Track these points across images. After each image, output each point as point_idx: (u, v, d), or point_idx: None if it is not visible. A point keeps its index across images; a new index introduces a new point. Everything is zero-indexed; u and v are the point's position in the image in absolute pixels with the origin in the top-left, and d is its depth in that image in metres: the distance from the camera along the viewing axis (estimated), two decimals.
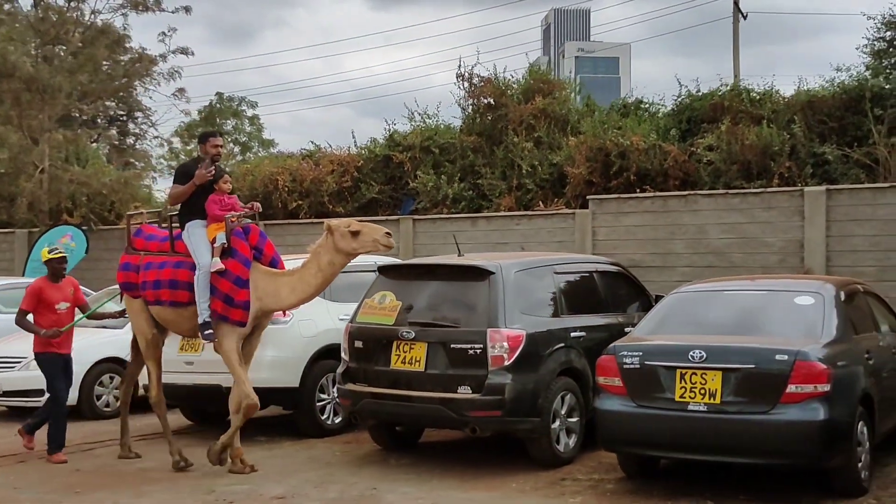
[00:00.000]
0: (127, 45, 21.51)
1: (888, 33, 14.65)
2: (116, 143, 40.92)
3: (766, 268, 12.93)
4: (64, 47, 19.00)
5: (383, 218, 16.18)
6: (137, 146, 40.18)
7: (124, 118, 42.65)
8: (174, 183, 8.77)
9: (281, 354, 9.61)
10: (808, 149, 14.15)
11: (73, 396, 9.99)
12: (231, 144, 41.11)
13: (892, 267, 12.37)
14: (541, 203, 15.67)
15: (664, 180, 14.97)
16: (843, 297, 7.56)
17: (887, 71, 14.43)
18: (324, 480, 7.85)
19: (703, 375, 6.53)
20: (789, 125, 14.36)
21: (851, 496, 6.71)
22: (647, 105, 17.18)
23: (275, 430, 10.14)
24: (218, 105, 45.15)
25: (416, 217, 16.06)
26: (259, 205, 8.94)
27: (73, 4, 19.59)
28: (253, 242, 8.54)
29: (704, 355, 6.55)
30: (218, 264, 8.27)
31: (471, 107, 17.39)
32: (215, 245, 8.37)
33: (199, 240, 8.46)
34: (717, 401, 6.48)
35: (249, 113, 44.14)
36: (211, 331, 8.27)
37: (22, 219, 19.20)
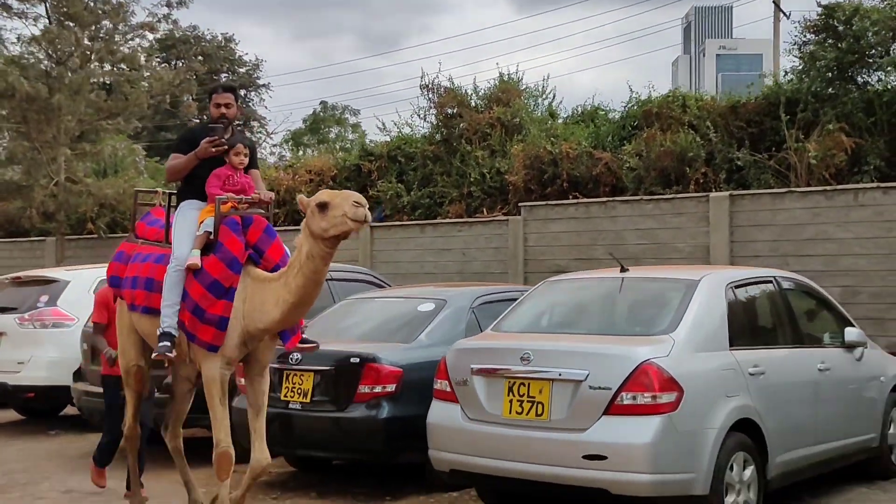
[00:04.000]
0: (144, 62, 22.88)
1: (809, 36, 14.70)
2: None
3: None
4: (74, 68, 20.43)
5: None
6: (259, 156, 42.46)
7: (241, 126, 45.04)
8: (174, 152, 6.58)
9: None
10: (725, 154, 14.42)
11: None
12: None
13: (791, 271, 12.67)
14: (485, 210, 16.34)
15: (595, 187, 15.22)
16: (724, 292, 6.31)
17: (801, 76, 14.51)
18: None
19: (301, 376, 7.06)
20: (714, 131, 14.67)
21: None
22: (604, 111, 17.59)
23: None
24: (322, 113, 46.90)
25: (373, 224, 16.90)
26: (273, 194, 6.58)
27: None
28: (252, 240, 6.19)
29: (299, 357, 6.99)
30: (193, 259, 6.06)
31: (434, 116, 18.16)
32: (198, 233, 6.19)
33: (184, 224, 6.33)
34: (308, 399, 7.01)
35: (352, 121, 45.47)
36: (168, 344, 6.05)
37: (37, 228, 20.70)
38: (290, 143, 41.84)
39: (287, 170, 19.42)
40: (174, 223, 6.43)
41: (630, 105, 16.53)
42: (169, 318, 6.12)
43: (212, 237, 6.14)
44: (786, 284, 6.93)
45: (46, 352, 9.76)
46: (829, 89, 13.76)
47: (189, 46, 42.68)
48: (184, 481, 6.66)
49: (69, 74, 19.65)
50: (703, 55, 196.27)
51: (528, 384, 5.74)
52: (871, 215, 11.96)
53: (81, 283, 9.97)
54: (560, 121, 17.80)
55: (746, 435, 5.92)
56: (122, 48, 21.20)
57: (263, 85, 43.75)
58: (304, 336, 6.32)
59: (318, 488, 7.45)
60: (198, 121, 42.85)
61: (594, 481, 5.47)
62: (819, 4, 13.95)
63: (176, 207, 6.56)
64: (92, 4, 20.89)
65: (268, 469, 6.04)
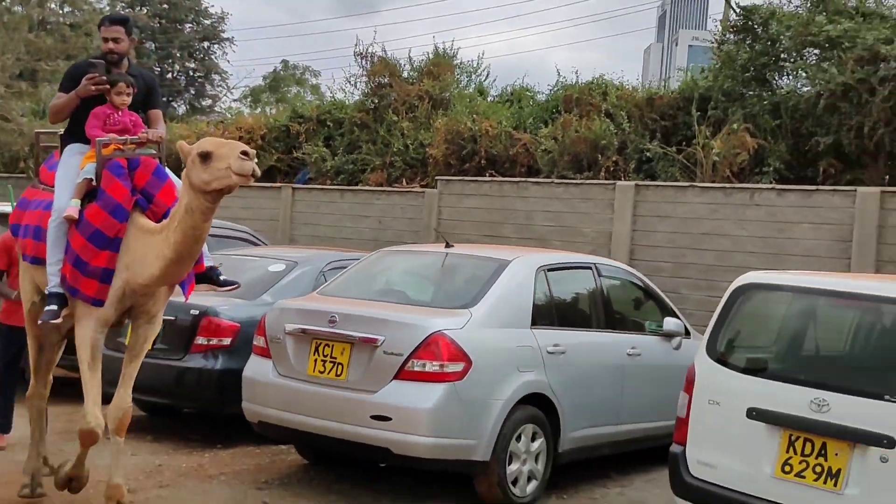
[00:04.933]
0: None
1: (728, 35, 15.07)
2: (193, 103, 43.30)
3: None
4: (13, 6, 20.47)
5: (269, 185, 17.47)
6: (217, 108, 42.63)
7: (202, 79, 45.01)
8: (59, 90, 6.21)
9: None
10: (636, 145, 14.83)
11: None
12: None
13: (686, 265, 12.97)
14: (405, 181, 16.70)
15: (512, 166, 15.66)
16: (535, 274, 6.61)
17: (717, 74, 14.91)
18: None
19: None
20: (628, 121, 15.07)
21: None
22: (530, 93, 17.96)
23: None
24: (282, 72, 46.73)
25: (295, 186, 17.20)
26: (163, 133, 5.98)
27: None
28: (140, 184, 5.73)
29: None
30: (71, 210, 5.63)
31: (366, 84, 18.44)
32: (78, 181, 5.73)
33: (65, 172, 5.90)
34: (150, 347, 6.72)
35: (313, 82, 45.33)
36: (55, 308, 5.64)
37: None
38: (248, 100, 41.78)
39: (218, 125, 19.61)
40: (56, 172, 5.96)
41: (555, 89, 16.93)
42: (54, 277, 5.69)
43: (94, 184, 5.70)
44: (606, 272, 7.34)
45: None
46: (743, 89, 14.19)
47: None
48: (31, 434, 6.19)
49: (7, 13, 19.70)
50: (676, 45, 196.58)
51: (332, 345, 6.12)
52: (764, 215, 12.43)
53: None
54: (489, 99, 18.17)
55: (539, 409, 6.34)
56: None
57: (227, 38, 43.60)
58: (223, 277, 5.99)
59: (153, 433, 7.80)
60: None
61: (378, 440, 5.87)
62: (738, 6, 14.35)
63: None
64: None
65: (130, 414, 5.67)
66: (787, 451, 4.73)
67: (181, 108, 43.44)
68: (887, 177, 12.43)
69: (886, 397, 4.50)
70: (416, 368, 5.84)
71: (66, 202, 5.69)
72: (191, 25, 43.53)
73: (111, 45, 6.06)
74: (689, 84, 14.92)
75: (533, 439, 6.33)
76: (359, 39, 18.24)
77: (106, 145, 5.69)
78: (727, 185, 12.94)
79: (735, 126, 13.61)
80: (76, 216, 5.61)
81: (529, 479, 6.34)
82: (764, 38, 13.88)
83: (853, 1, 13.56)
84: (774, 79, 14.22)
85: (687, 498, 5.17)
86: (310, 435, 6.25)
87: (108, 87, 5.86)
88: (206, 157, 5.21)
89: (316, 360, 6.16)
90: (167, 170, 5.93)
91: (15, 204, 6.59)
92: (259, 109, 38.06)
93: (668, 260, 13.19)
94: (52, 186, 6.00)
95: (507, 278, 6.46)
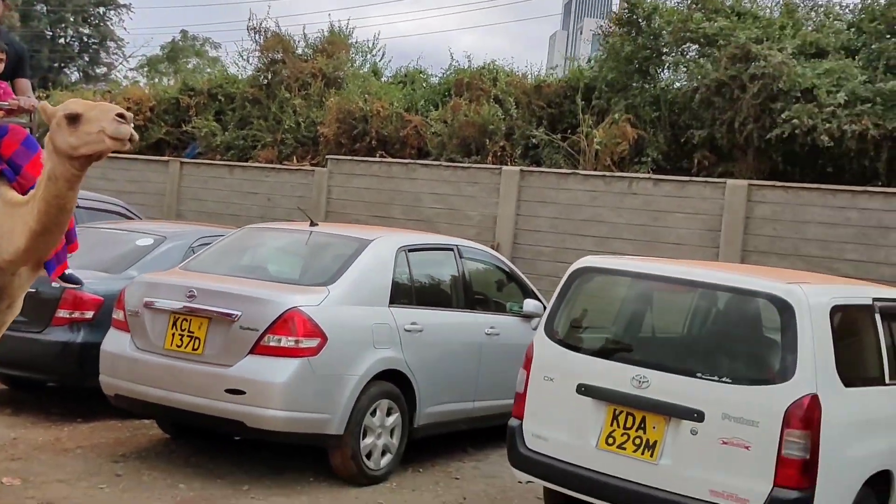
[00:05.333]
0: None
1: (613, 27, 15.53)
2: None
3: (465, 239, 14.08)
4: None
5: (156, 158, 17.35)
6: (112, 77, 41.52)
7: (97, 45, 43.80)
8: None
9: None
10: (523, 131, 15.21)
11: None
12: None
13: (566, 249, 13.35)
14: (295, 158, 16.79)
15: (402, 148, 15.91)
16: (395, 254, 6.79)
17: (602, 65, 15.37)
18: None
19: None
20: (516, 107, 15.44)
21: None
22: (425, 76, 18.21)
23: None
24: (181, 42, 45.83)
25: (183, 161, 17.11)
26: (36, 102, 5.67)
27: None
28: (7, 153, 5.48)
29: None
30: None
31: (258, 59, 18.42)
32: None
33: None
34: None
35: (212, 54, 44.71)
36: None
37: None
38: (146, 70, 40.98)
39: (104, 95, 19.32)
40: None
41: (448, 73, 17.20)
42: None
43: None
44: (468, 254, 7.63)
45: None
46: (627, 81, 14.66)
47: None
48: None
49: None
50: (581, 33, 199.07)
51: (190, 320, 6.25)
52: (641, 204, 12.93)
53: None
54: (384, 80, 18.34)
55: (395, 385, 6.59)
56: None
57: (124, 5, 42.70)
58: (68, 271, 5.78)
59: (12, 406, 7.81)
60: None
61: (233, 413, 6.03)
62: None
63: None
64: None
65: None
66: (612, 425, 5.07)
67: (74, 76, 42.44)
68: (754, 171, 13.02)
69: (698, 374, 4.88)
70: (271, 343, 6.01)
71: None
72: None
73: None
74: (576, 73, 15.35)
75: (388, 414, 6.57)
76: (252, 13, 18.22)
77: None
78: (608, 173, 13.41)
79: (617, 116, 14.09)
80: None
81: (384, 453, 6.58)
82: (647, 32, 14.38)
83: (730, 0, 14.13)
84: (656, 72, 14.75)
85: (522, 469, 5.49)
86: (166, 408, 6.37)
87: None
88: (74, 119, 4.90)
89: (174, 335, 6.27)
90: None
91: None
92: (156, 80, 37.46)
93: (549, 245, 13.63)
94: None
95: (367, 257, 6.67)
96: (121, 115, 4.88)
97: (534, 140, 14.84)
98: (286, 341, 6.01)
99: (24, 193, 5.34)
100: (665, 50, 14.51)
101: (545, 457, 5.32)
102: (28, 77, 6.06)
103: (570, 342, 5.45)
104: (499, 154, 15.00)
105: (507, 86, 15.63)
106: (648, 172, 13.49)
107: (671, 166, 14.00)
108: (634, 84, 14.56)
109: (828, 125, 11.84)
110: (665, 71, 14.82)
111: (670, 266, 5.54)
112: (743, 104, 12.61)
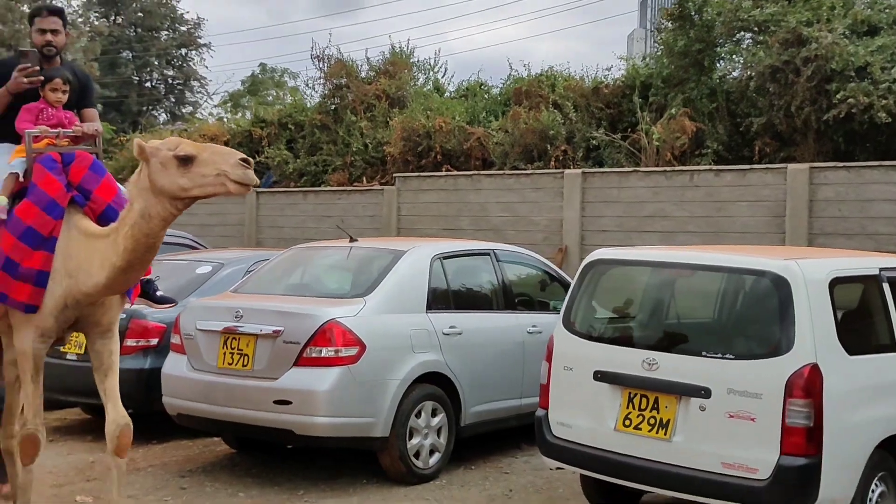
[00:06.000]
0: None
1: (666, 23, 15.63)
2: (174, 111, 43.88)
3: (533, 244, 14.39)
4: None
5: None
6: (198, 115, 43.32)
7: (181, 86, 45.72)
8: None
9: None
10: (584, 134, 15.45)
11: None
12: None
13: (632, 247, 13.72)
14: (364, 179, 17.37)
15: (466, 160, 16.37)
16: (430, 262, 7.17)
17: (658, 61, 15.52)
18: None
19: None
20: (575, 111, 15.70)
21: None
22: (486, 88, 18.63)
23: None
24: (260, 75, 47.45)
25: (259, 190, 17.86)
26: (100, 127, 5.76)
27: None
28: (76, 179, 5.41)
29: None
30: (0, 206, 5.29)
31: (324, 86, 19.12)
32: (4, 178, 5.39)
33: None
34: (83, 351, 7.52)
35: (291, 84, 46.07)
36: None
37: None
38: (229, 105, 42.44)
39: (181, 134, 20.25)
40: None
41: (507, 83, 17.58)
42: None
43: (22, 179, 5.38)
44: (505, 258, 7.95)
45: None
46: (683, 75, 14.79)
47: (128, 3, 43.17)
48: (12, 491, 5.84)
49: None
50: (658, 31, 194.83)
51: (238, 338, 6.74)
52: (703, 195, 13.06)
53: None
54: (447, 95, 18.81)
55: (438, 386, 6.97)
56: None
57: (204, 45, 44.30)
58: (159, 293, 5.90)
59: (93, 433, 8.40)
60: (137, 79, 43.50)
61: (282, 423, 6.49)
62: None
63: None
64: None
65: (129, 430, 5.48)
66: (628, 407, 5.35)
67: (161, 117, 44.19)
68: (816, 153, 13.01)
69: (703, 353, 5.13)
70: (313, 355, 6.46)
71: None
72: (167, 33, 44.30)
73: (49, 36, 5.72)
74: (632, 72, 15.54)
75: (433, 415, 6.96)
76: (314, 42, 18.95)
77: (37, 138, 5.40)
78: (668, 168, 13.57)
79: (674, 111, 14.24)
80: (3, 215, 5.26)
81: (432, 452, 6.96)
82: (699, 25, 14.50)
83: None
84: (711, 64, 14.83)
85: (551, 456, 5.79)
86: (223, 423, 6.88)
87: (41, 80, 5.53)
88: (187, 160, 4.88)
89: (225, 353, 6.78)
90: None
91: None
92: (239, 114, 38.79)
93: (616, 243, 13.79)
94: None
95: (402, 268, 7.08)
96: (245, 161, 4.90)
97: (594, 142, 15.09)
98: (326, 351, 6.45)
99: (94, 218, 5.41)
100: (718, 41, 14.61)
101: (570, 443, 5.62)
102: (94, 107, 6.08)
103: (586, 332, 5.74)
104: (561, 158, 15.30)
105: (565, 90, 15.93)
106: (710, 164, 13.61)
107: (733, 156, 14.08)
108: (691, 78, 14.69)
109: (884, 101, 11.81)
110: (720, 62, 14.88)
111: (673, 252, 5.79)
112: (798, 88, 12.65)
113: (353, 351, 6.49)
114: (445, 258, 7.42)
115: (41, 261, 5.20)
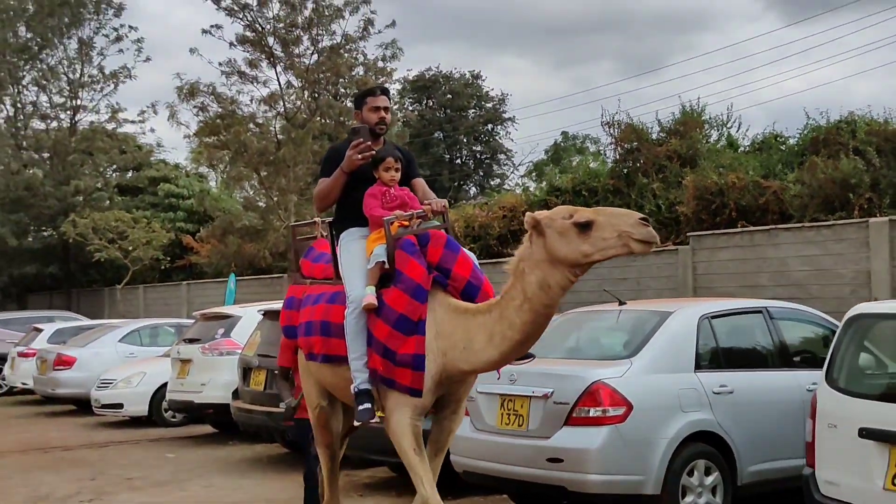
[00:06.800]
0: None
1: None
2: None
3: (839, 299, 13.88)
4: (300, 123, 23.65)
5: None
6: (506, 186, 45.82)
7: (489, 160, 48.54)
8: (321, 176, 5.98)
9: None
10: (890, 179, 14.69)
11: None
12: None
13: None
14: (659, 241, 17.45)
15: (763, 215, 16.06)
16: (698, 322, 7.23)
17: None
18: None
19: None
20: (879, 155, 14.99)
21: None
22: (779, 139, 18.21)
23: None
24: (562, 143, 49.22)
25: None
26: (445, 201, 5.73)
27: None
28: (434, 259, 5.50)
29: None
30: (369, 298, 5.42)
31: (616, 151, 19.52)
32: (369, 266, 5.52)
33: (350, 258, 5.70)
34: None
35: (592, 148, 47.37)
36: (368, 406, 5.44)
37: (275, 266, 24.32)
38: (533, 175, 43.90)
39: (483, 207, 21.38)
40: (340, 260, 5.75)
41: (805, 132, 17.11)
42: (360, 373, 5.47)
43: (386, 266, 5.47)
44: (779, 315, 7.89)
45: (222, 375, 12.23)
46: None
47: (438, 86, 46.11)
48: None
49: (293, 129, 22.87)
50: None
51: (514, 400, 7.22)
52: None
53: (251, 317, 12.35)
54: (740, 150, 18.58)
55: (710, 445, 7.07)
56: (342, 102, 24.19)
57: (509, 119, 46.25)
58: None
59: (399, 490, 9.18)
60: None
61: (555, 480, 6.87)
62: None
63: (337, 239, 5.90)
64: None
65: None
66: (895, 466, 5.23)
67: (472, 190, 46.48)
68: None
69: None
70: (581, 415, 6.81)
71: (361, 291, 5.47)
72: (474, 111, 46.72)
73: (382, 114, 5.90)
74: None
75: (707, 473, 7.05)
76: (604, 109, 19.46)
77: (392, 223, 5.48)
78: None
79: None
80: (375, 303, 5.40)
81: None
82: None
83: None
84: None
85: None
86: (502, 479, 7.36)
87: (373, 153, 5.65)
88: (586, 226, 4.93)
89: (503, 414, 7.29)
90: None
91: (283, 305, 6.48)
92: (543, 183, 40.05)
93: None
94: (319, 279, 6.00)
95: (669, 329, 7.29)
96: (644, 219, 4.97)
97: None
98: (594, 411, 6.78)
99: (457, 295, 5.48)
100: None
101: (838, 501, 5.55)
102: (420, 176, 6.10)
103: (849, 388, 5.68)
104: (865, 207, 14.66)
105: (867, 135, 15.29)
106: None
107: None
108: None
109: None
110: None
111: None
112: None
113: (620, 410, 6.78)
114: (714, 318, 7.54)
115: (415, 345, 5.34)
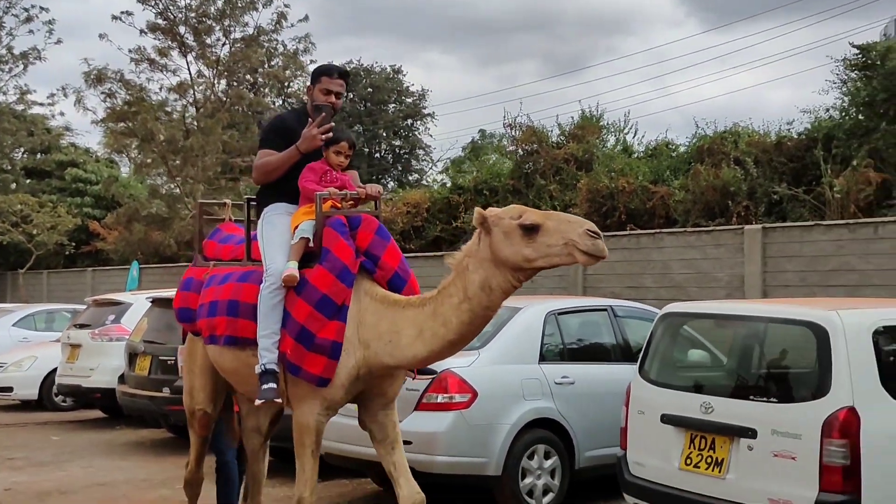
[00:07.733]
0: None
1: (849, 74, 15.55)
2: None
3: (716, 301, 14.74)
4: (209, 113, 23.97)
5: (438, 254, 19.51)
6: (424, 182, 46.21)
7: (407, 155, 48.88)
8: (261, 148, 5.68)
9: None
10: (765, 189, 15.64)
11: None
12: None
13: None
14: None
15: (650, 219, 16.93)
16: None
17: (841, 113, 15.49)
18: None
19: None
20: (756, 166, 15.93)
21: None
22: (670, 147, 19.14)
23: None
24: (480, 141, 49.82)
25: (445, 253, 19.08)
26: (381, 188, 5.61)
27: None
28: (363, 244, 5.30)
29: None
30: (290, 270, 5.19)
31: (518, 152, 20.26)
32: (294, 241, 5.32)
33: (273, 233, 5.44)
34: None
35: (510, 148, 47.83)
36: (273, 385, 5.18)
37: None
38: (449, 171, 44.47)
39: (387, 202, 21.92)
40: (260, 234, 5.52)
41: (693, 141, 18.02)
42: (269, 353, 5.21)
43: (311, 245, 5.29)
44: (623, 313, 8.63)
45: (111, 360, 12.58)
46: (868, 124, 14.77)
47: (359, 79, 46.43)
48: None
49: (203, 119, 23.16)
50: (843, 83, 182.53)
51: None
52: (890, 248, 13.03)
53: (142, 304, 12.71)
54: (634, 155, 19.45)
55: (551, 431, 7.74)
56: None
57: (428, 114, 46.80)
58: None
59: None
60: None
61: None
62: (852, 45, 15.03)
63: (256, 217, 5.71)
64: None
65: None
66: (689, 448, 5.93)
67: (390, 184, 46.91)
68: None
69: (751, 397, 5.66)
70: (430, 401, 7.42)
71: (282, 264, 5.25)
72: (394, 105, 47.17)
73: (333, 98, 5.62)
74: (816, 125, 15.64)
75: (546, 457, 7.73)
76: (506, 111, 20.16)
77: (324, 200, 5.32)
78: (851, 220, 13.60)
79: (855, 163, 14.24)
80: (297, 277, 5.17)
81: (546, 492, 7.73)
82: (884, 73, 14.47)
83: None
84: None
85: (630, 493, 6.44)
86: (361, 461, 7.91)
87: (331, 137, 5.47)
88: (532, 229, 4.73)
89: None
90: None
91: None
92: (460, 180, 40.64)
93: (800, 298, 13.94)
94: (226, 261, 5.84)
95: (517, 323, 7.94)
96: (593, 231, 4.72)
97: (776, 196, 15.28)
98: (442, 398, 7.39)
99: (384, 285, 5.32)
100: None
101: (644, 480, 6.25)
102: (356, 168, 5.94)
103: (657, 379, 6.38)
104: (742, 214, 15.58)
105: (747, 146, 16.23)
106: None
107: None
108: (876, 128, 14.65)
109: None
110: None
111: (731, 304, 6.33)
112: None
113: (466, 397, 7.39)
114: (560, 314, 8.22)
115: (335, 331, 5.11)
